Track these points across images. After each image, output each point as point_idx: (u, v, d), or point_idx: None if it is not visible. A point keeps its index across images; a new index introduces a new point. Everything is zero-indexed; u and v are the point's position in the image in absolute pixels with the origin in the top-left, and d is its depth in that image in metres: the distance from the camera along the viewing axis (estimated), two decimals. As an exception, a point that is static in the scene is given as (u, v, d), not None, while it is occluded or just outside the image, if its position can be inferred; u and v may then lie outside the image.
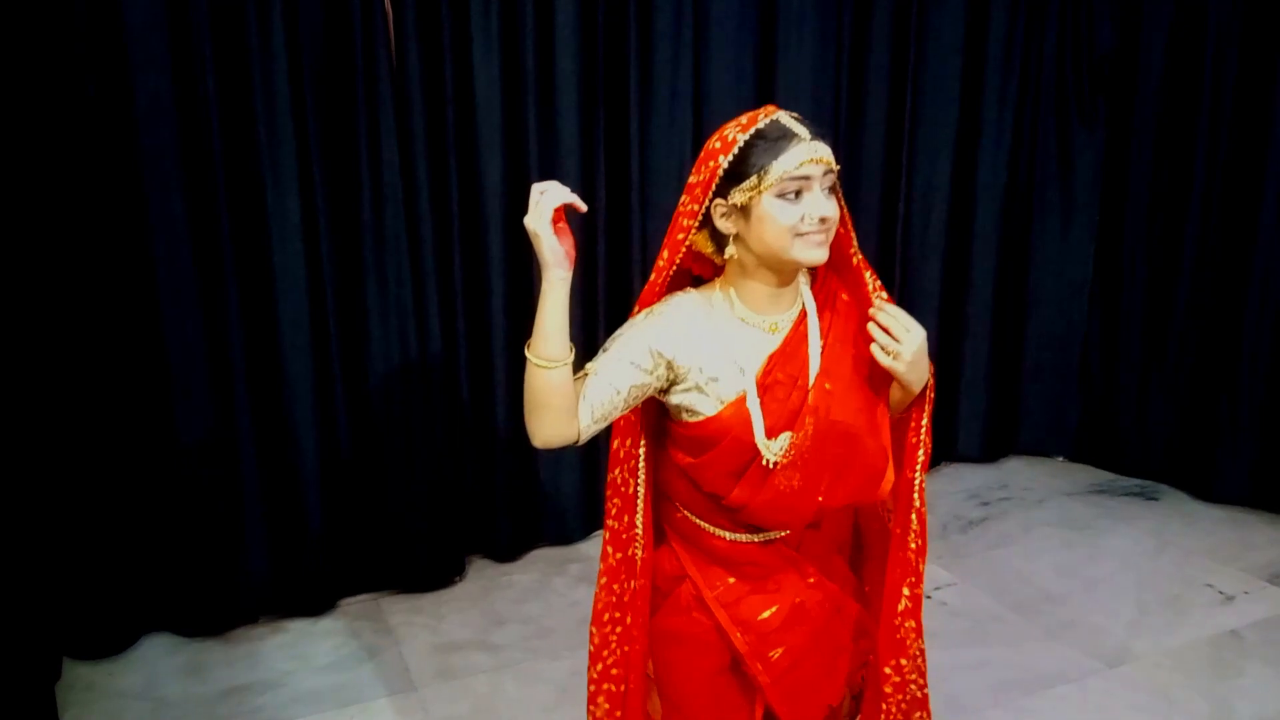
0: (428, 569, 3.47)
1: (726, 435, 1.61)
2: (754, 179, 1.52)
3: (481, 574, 3.60)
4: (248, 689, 2.91)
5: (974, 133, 4.28)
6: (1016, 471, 4.61)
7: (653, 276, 1.67)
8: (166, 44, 2.85)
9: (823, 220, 1.53)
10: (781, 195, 1.52)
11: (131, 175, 2.88)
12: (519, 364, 3.47)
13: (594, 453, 3.72)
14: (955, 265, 4.42)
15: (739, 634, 1.72)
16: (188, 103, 2.90)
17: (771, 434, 1.61)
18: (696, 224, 1.61)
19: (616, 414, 1.64)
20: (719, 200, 1.57)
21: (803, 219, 1.52)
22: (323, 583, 3.32)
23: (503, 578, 3.58)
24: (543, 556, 3.73)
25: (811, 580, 1.76)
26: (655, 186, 3.64)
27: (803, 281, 1.69)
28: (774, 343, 1.64)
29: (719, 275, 1.70)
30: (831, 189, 1.56)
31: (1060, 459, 4.73)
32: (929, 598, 3.41)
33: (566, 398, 1.58)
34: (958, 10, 4.11)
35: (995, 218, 4.43)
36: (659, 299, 1.68)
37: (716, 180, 1.56)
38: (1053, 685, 2.91)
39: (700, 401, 1.63)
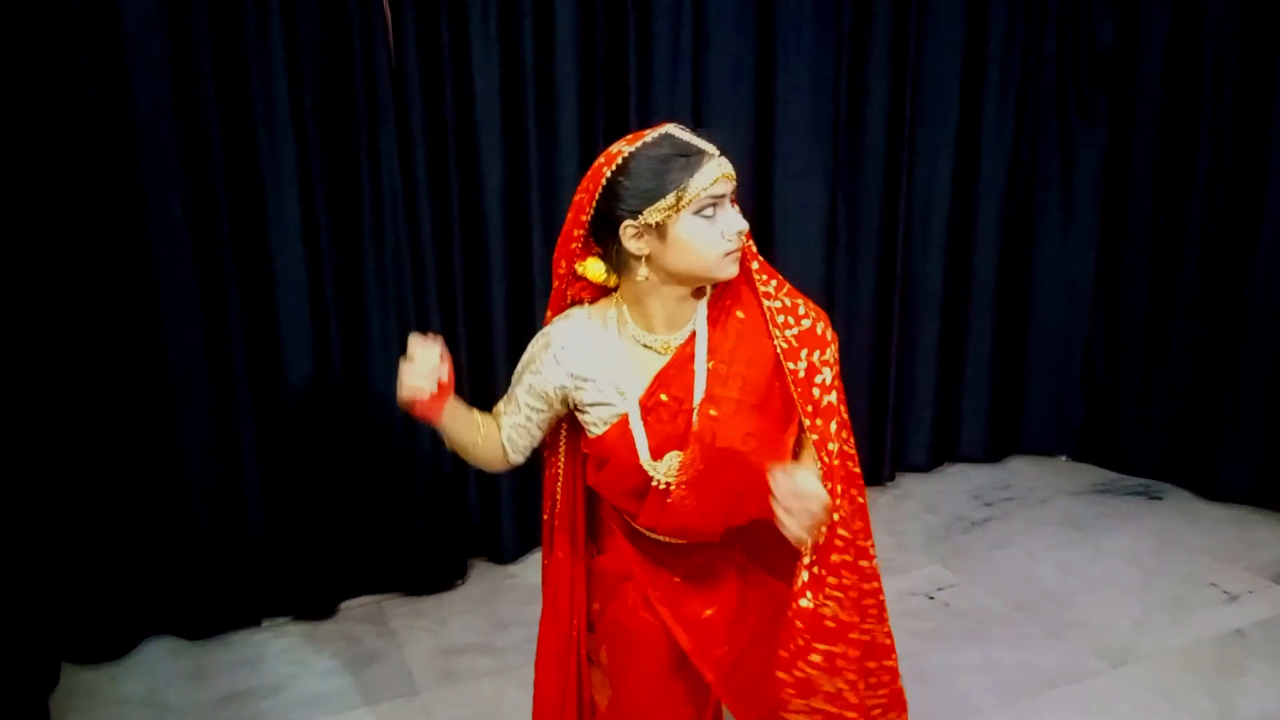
0: (429, 572, 3.46)
1: (613, 455, 1.64)
2: (672, 198, 1.50)
3: (483, 577, 3.60)
4: (249, 694, 2.91)
5: (975, 131, 4.27)
6: (1019, 471, 4.59)
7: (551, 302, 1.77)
8: (165, 48, 2.85)
9: (739, 234, 1.55)
10: (698, 212, 1.52)
11: (131, 180, 2.88)
12: (518, 363, 3.44)
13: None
14: (957, 264, 4.41)
15: (683, 633, 1.73)
16: (187, 107, 2.90)
17: (657, 455, 1.61)
18: (580, 245, 1.63)
19: (537, 440, 1.77)
20: (629, 222, 1.54)
21: (723, 235, 1.54)
22: (324, 586, 3.32)
23: (505, 580, 3.57)
24: (545, 559, 3.72)
25: (750, 576, 1.76)
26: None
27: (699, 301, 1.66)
28: (662, 363, 1.63)
29: (601, 294, 1.72)
30: (735, 202, 1.58)
31: (1063, 458, 4.72)
32: (931, 598, 3.40)
33: (486, 450, 1.77)
34: (957, 9, 4.11)
35: (996, 217, 4.43)
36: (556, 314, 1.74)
37: (597, 197, 1.55)
38: (1056, 685, 2.90)
39: (595, 421, 1.66)
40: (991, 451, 4.68)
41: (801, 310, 1.64)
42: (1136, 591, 3.44)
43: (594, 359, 1.64)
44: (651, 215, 1.52)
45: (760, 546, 1.74)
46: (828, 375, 1.61)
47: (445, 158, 3.30)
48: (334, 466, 3.28)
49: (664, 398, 1.61)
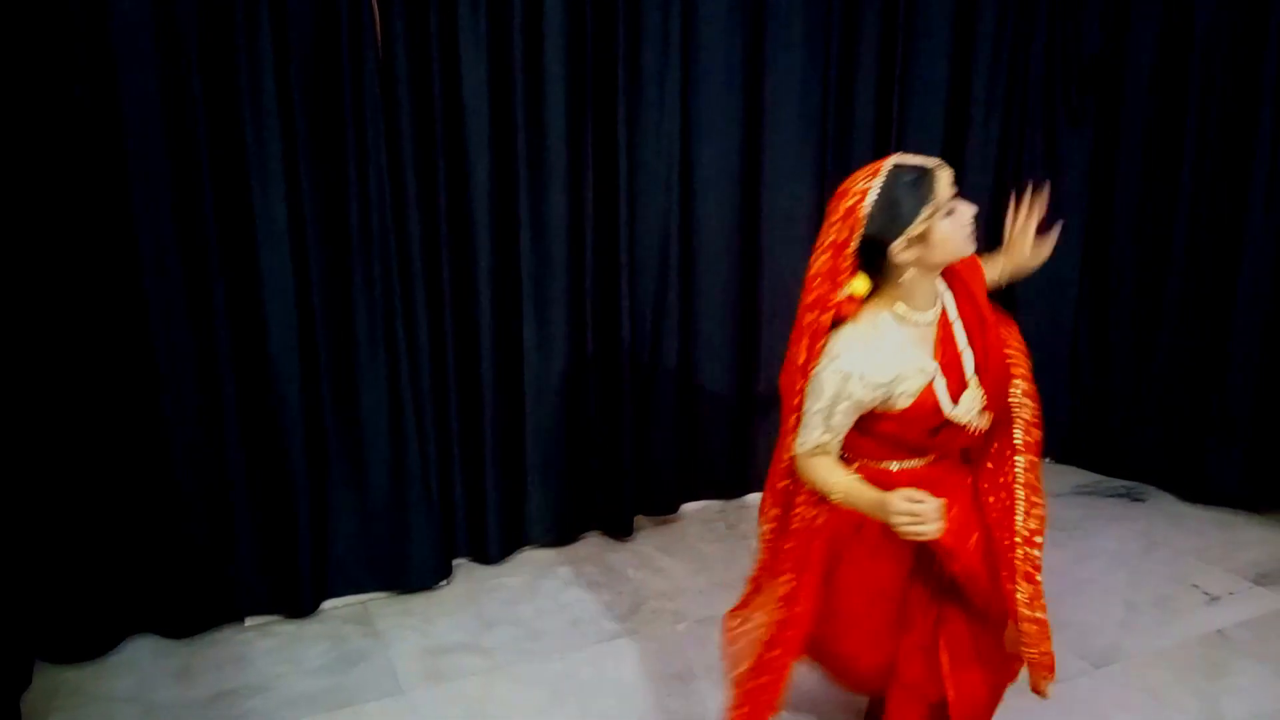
0: (416, 571, 3.46)
1: (919, 413, 2.01)
2: (928, 210, 1.90)
3: (469, 576, 3.60)
4: (237, 693, 2.90)
5: (962, 134, 4.29)
6: (1005, 472, 4.61)
7: (805, 343, 2.05)
8: (153, 45, 2.84)
9: (974, 217, 1.99)
10: (947, 214, 1.93)
11: (118, 177, 2.87)
12: (506, 365, 3.46)
13: (579, 456, 3.73)
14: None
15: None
16: (174, 104, 2.89)
17: (955, 400, 2.02)
18: (850, 272, 1.98)
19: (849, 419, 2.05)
20: (897, 243, 1.92)
21: (964, 224, 1.97)
22: (311, 585, 3.31)
23: (491, 580, 3.57)
24: (530, 559, 3.72)
25: (967, 480, 2.19)
26: (643, 188, 3.64)
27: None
28: (933, 333, 2.04)
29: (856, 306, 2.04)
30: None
31: (1047, 460, 4.74)
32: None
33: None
34: (946, 11, 4.12)
35: (983, 219, 4.41)
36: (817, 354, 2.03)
37: (860, 228, 1.93)
38: (1041, 685, 2.92)
39: (899, 400, 2.00)
40: (977, 453, 4.69)
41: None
42: (1120, 592, 3.46)
43: (891, 360, 1.98)
44: (917, 229, 1.91)
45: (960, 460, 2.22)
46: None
47: (433, 156, 3.29)
48: (320, 465, 3.28)
49: (950, 358, 2.04)
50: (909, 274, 1.96)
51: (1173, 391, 4.28)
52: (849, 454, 2.14)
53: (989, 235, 4.40)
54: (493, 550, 3.66)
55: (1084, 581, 3.54)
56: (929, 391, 2.00)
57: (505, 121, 3.36)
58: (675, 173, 3.70)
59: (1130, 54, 4.24)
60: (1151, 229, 4.27)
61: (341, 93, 3.08)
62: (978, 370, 2.05)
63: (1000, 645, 2.19)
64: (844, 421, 2.02)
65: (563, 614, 3.33)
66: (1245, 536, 3.90)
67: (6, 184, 2.76)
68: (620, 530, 3.84)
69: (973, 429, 2.07)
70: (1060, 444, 4.69)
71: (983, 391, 2.05)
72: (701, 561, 3.69)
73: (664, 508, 4.02)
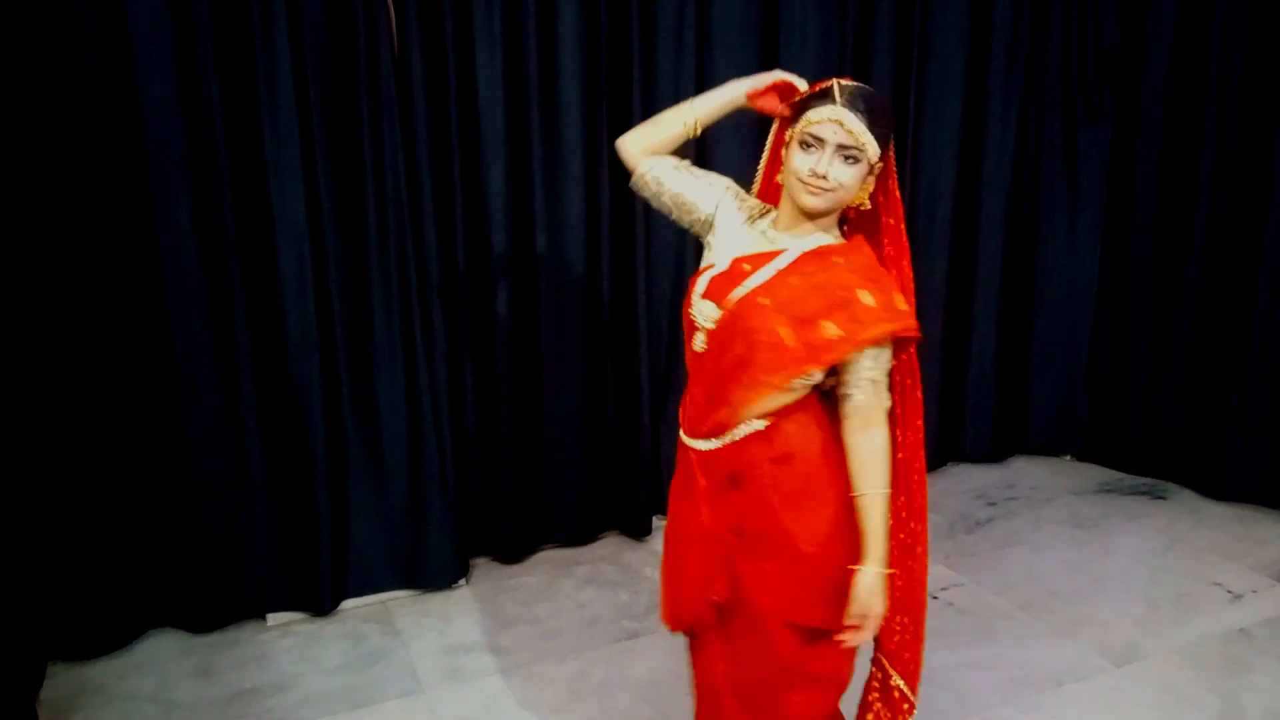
0: (434, 571, 3.47)
1: (689, 290, 1.88)
2: (791, 130, 1.79)
3: (488, 576, 3.61)
4: (257, 692, 2.92)
5: (979, 129, 4.28)
6: (1024, 471, 4.60)
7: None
8: (171, 48, 2.87)
9: (820, 177, 1.74)
10: (802, 144, 1.75)
11: (138, 178, 2.90)
12: (523, 364, 3.47)
13: (596, 456, 3.73)
14: (961, 263, 4.41)
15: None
16: (192, 106, 2.92)
17: (705, 295, 1.85)
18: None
19: (661, 193, 1.98)
20: (790, 128, 1.81)
21: (807, 169, 1.74)
22: (330, 584, 3.32)
23: (509, 580, 3.58)
24: (549, 558, 3.73)
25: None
26: (660, 187, 3.64)
27: (827, 230, 1.86)
28: (764, 248, 1.86)
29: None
30: (850, 160, 1.74)
31: (1068, 458, 4.72)
32: (935, 598, 3.40)
33: (664, 144, 2.02)
34: (961, 6, 4.11)
35: (1001, 215, 4.43)
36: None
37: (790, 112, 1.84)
38: (1062, 683, 2.90)
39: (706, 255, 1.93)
40: (996, 451, 4.68)
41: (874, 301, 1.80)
42: (1141, 590, 3.44)
43: (732, 224, 1.91)
44: (788, 132, 1.81)
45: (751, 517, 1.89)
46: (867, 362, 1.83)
47: (449, 154, 3.30)
48: (338, 464, 3.29)
49: (746, 266, 1.84)
50: (781, 176, 1.84)
51: (1193, 388, 4.25)
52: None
53: (1001, 235, 4.43)
54: (511, 550, 3.67)
55: (1105, 579, 3.52)
56: (703, 271, 1.88)
57: (520, 121, 3.37)
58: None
59: (1148, 45, 4.21)
60: (1171, 224, 4.24)
61: (358, 94, 3.09)
62: (738, 300, 1.82)
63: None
64: (686, 181, 1.98)
65: (580, 613, 3.34)
66: (1267, 534, 3.87)
67: (31, 187, 2.79)
68: (638, 530, 3.84)
69: (698, 344, 1.86)
70: (1081, 441, 4.67)
71: (720, 313, 1.81)
72: (719, 560, 3.68)
73: (681, 506, 4.01)
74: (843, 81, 1.76)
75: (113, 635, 3.11)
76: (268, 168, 3.01)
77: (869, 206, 1.87)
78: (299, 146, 3.03)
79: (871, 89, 1.79)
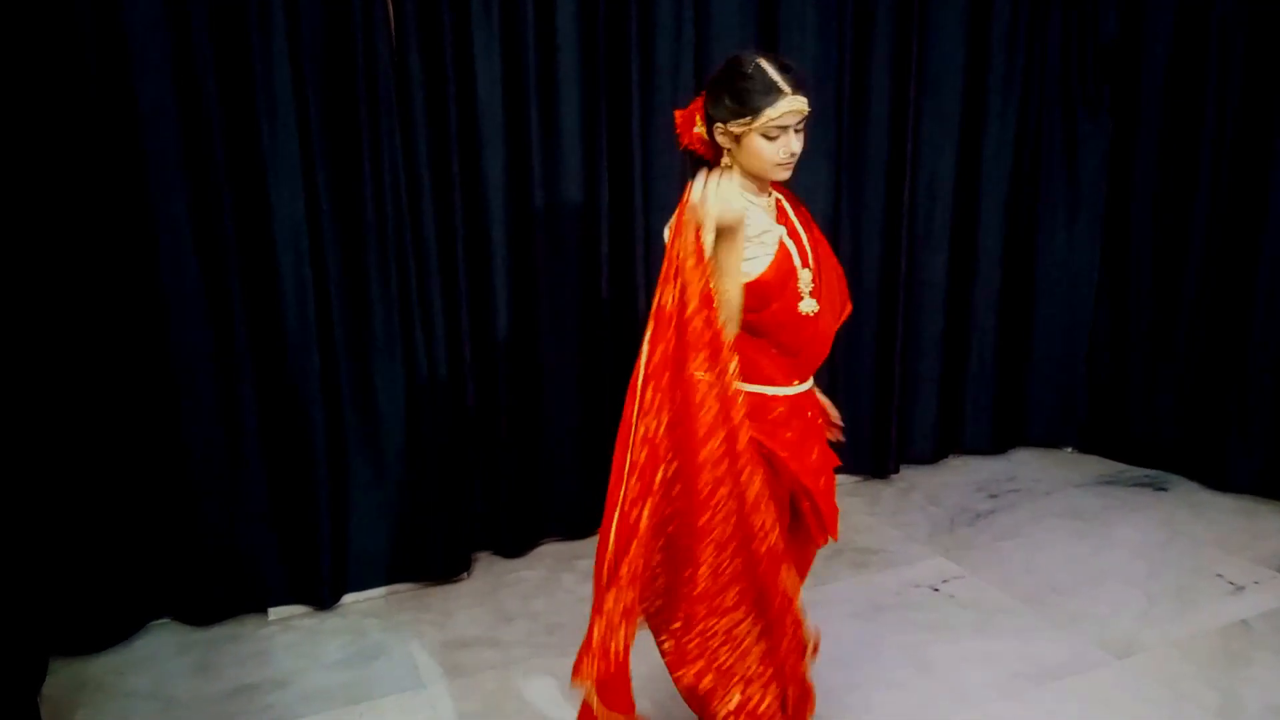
0: (435, 565, 3.47)
1: (781, 273, 2.04)
2: (748, 118, 1.95)
3: (489, 570, 3.61)
4: (256, 687, 2.92)
5: (978, 123, 4.27)
6: (1024, 463, 4.60)
7: None
8: (167, 45, 2.86)
9: (793, 155, 2.01)
10: (765, 135, 1.97)
11: (135, 176, 2.90)
12: (522, 359, 3.46)
13: (596, 449, 3.73)
14: (961, 257, 4.41)
15: (804, 474, 2.13)
16: (190, 103, 2.91)
17: (802, 265, 2.09)
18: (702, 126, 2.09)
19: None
20: (718, 124, 2.01)
21: (780, 153, 1.99)
22: (330, 578, 3.33)
23: (510, 574, 3.58)
24: (550, 552, 3.73)
25: (820, 420, 2.28)
26: (658, 181, 3.64)
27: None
28: (773, 210, 2.11)
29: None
30: (800, 127, 2.00)
31: (1069, 450, 4.71)
32: (936, 590, 3.40)
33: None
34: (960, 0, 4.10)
35: (1000, 209, 4.42)
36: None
37: (705, 98, 2.03)
38: (1061, 677, 2.90)
39: (758, 263, 2.02)
40: (996, 443, 4.68)
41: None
42: (1141, 583, 3.44)
43: (740, 196, 2.02)
44: (734, 127, 1.99)
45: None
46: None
47: (448, 151, 3.30)
48: (338, 459, 3.29)
49: (786, 224, 2.13)
50: (726, 164, 2.05)
51: (1194, 379, 4.25)
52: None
53: (1000, 229, 4.42)
54: (511, 543, 3.68)
55: (1105, 572, 3.52)
56: (784, 252, 2.05)
57: (519, 116, 3.36)
58: (690, 165, 3.67)
59: (1147, 39, 4.20)
60: (1170, 216, 4.23)
61: (355, 89, 3.09)
62: (812, 249, 2.14)
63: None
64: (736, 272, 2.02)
65: (581, 607, 3.34)
66: (1269, 525, 3.87)
67: (28, 185, 2.79)
68: (638, 523, 3.83)
69: (810, 312, 2.09)
70: (1081, 434, 4.67)
71: (815, 272, 2.11)
72: (719, 554, 3.68)
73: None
74: (766, 65, 1.95)
75: (113, 630, 3.12)
76: (265, 164, 3.01)
77: None
78: (297, 142, 3.03)
79: (774, 54, 2.03)
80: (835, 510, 2.27)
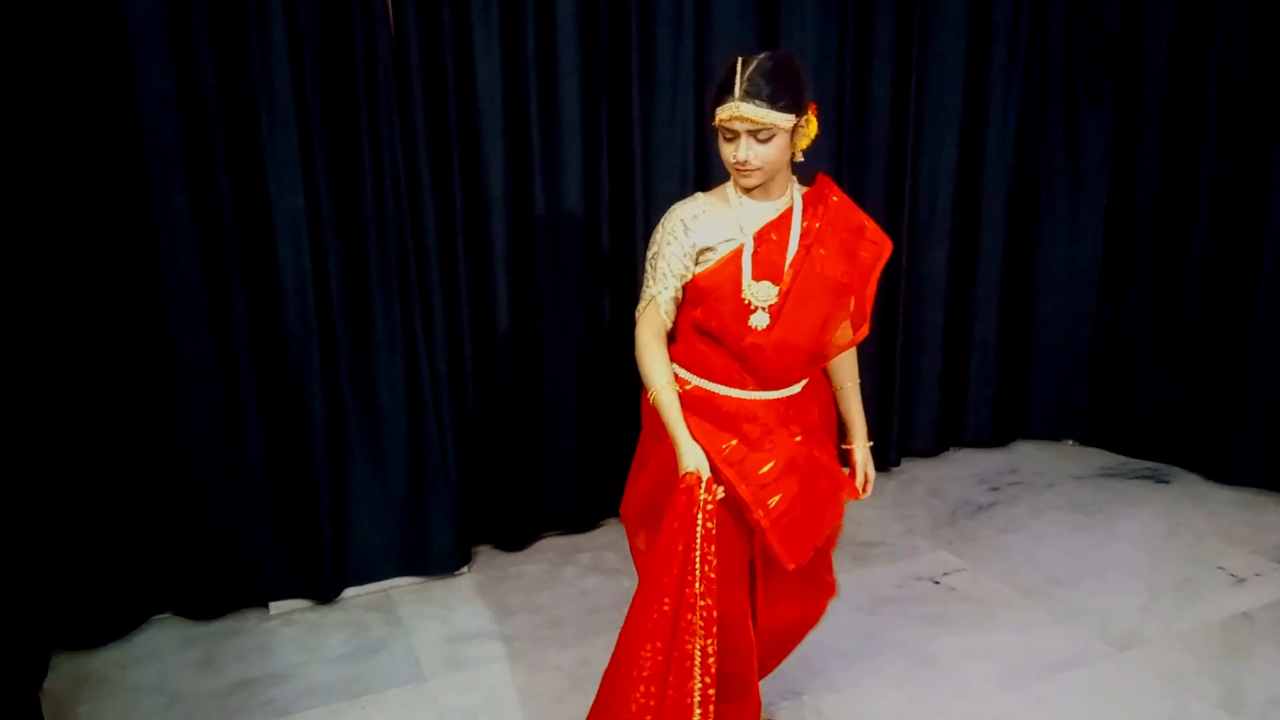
0: (436, 559, 3.47)
1: (723, 278, 2.01)
2: (711, 114, 1.95)
3: (490, 564, 3.61)
4: (258, 682, 2.92)
5: (980, 115, 4.26)
6: (1026, 456, 4.59)
7: None
8: (167, 40, 2.85)
9: (743, 163, 1.94)
10: (721, 135, 1.95)
11: (135, 169, 2.89)
12: (523, 353, 3.46)
13: (597, 443, 3.73)
14: (963, 249, 4.40)
15: (743, 486, 2.04)
16: (189, 98, 2.90)
17: (756, 278, 2.01)
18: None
19: (678, 295, 2.10)
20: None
21: (731, 159, 1.95)
22: (332, 572, 3.33)
23: (511, 568, 3.58)
24: (551, 546, 3.73)
25: (798, 438, 2.12)
26: (658, 175, 3.63)
27: (793, 183, 2.11)
28: (770, 217, 2.05)
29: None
30: (765, 139, 1.91)
31: (1070, 443, 4.71)
32: (937, 583, 3.40)
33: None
34: (962, -8, 4.09)
35: (1002, 201, 4.41)
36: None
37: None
38: (1063, 669, 2.91)
39: (710, 262, 2.03)
40: (998, 436, 4.68)
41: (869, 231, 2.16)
42: (1143, 575, 3.44)
43: (715, 219, 2.04)
44: (712, 119, 1.96)
45: (802, 411, 2.18)
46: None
47: (448, 143, 3.29)
48: (340, 453, 3.29)
49: (773, 236, 2.03)
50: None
51: (1195, 372, 4.24)
52: (686, 367, 2.14)
53: (1002, 221, 4.41)
54: (512, 537, 3.68)
55: (1107, 564, 3.52)
56: (731, 262, 2.01)
57: (519, 111, 3.35)
58: (691, 159, 3.68)
59: (1149, 32, 4.19)
60: (1172, 209, 4.23)
61: (355, 84, 3.08)
62: (793, 269, 2.03)
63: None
64: (666, 270, 2.05)
65: (582, 601, 3.34)
66: (1271, 518, 3.87)
67: (27, 179, 2.78)
68: (639, 517, 3.83)
69: (758, 326, 2.03)
70: (1083, 426, 4.67)
71: (784, 290, 2.02)
72: (721, 547, 3.68)
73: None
74: (745, 63, 1.89)
75: (115, 625, 3.12)
76: (265, 158, 3.00)
77: (801, 158, 2.05)
78: (296, 136, 3.02)
79: (774, 60, 1.91)
80: (814, 536, 2.14)
